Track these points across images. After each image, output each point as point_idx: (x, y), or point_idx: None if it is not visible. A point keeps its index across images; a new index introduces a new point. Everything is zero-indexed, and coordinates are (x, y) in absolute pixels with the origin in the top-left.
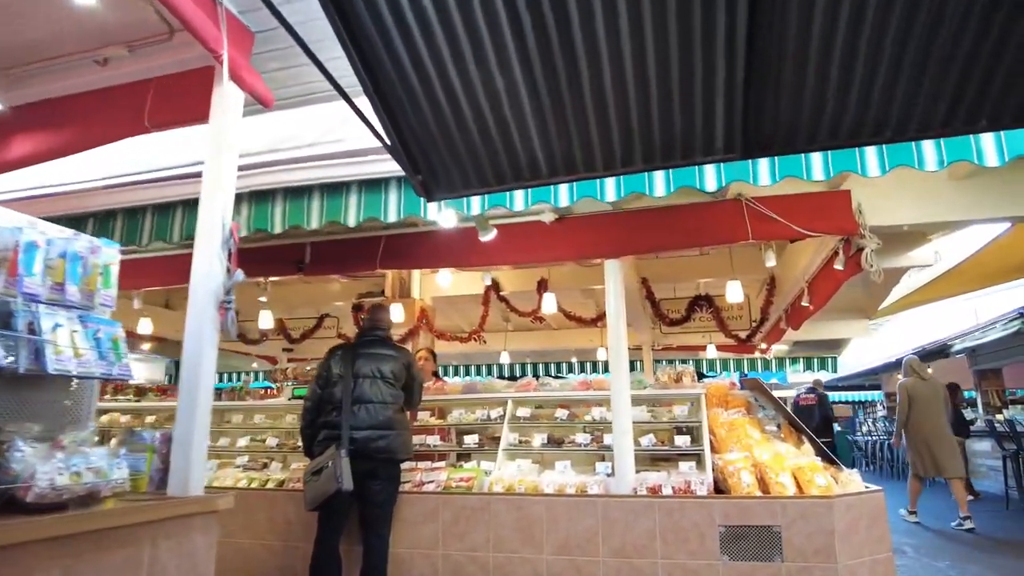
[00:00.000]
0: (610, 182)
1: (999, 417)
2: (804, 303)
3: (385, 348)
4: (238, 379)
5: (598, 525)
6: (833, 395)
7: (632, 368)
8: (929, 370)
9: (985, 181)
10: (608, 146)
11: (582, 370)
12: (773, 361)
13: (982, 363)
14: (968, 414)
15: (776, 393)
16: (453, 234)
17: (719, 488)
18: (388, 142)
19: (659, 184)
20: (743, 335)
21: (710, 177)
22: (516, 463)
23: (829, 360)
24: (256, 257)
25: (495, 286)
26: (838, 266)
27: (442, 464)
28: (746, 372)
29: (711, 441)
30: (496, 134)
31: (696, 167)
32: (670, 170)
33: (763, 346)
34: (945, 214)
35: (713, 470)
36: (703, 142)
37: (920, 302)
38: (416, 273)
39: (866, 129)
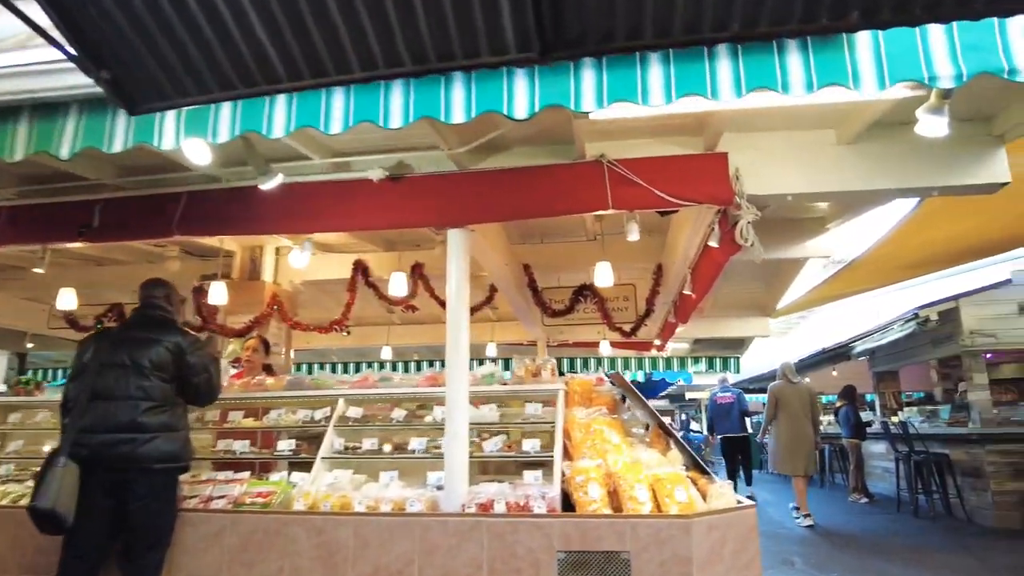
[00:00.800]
0: (396, 103)
1: (894, 419)
2: (687, 291)
3: (154, 331)
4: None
5: (415, 552)
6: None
7: (508, 366)
8: (805, 378)
9: (881, 148)
10: (362, 42)
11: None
12: (675, 360)
13: (880, 365)
14: (868, 416)
15: (690, 395)
16: (269, 194)
17: (569, 504)
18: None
19: (457, 106)
20: (629, 328)
21: (520, 97)
22: (333, 474)
23: (732, 360)
24: (30, 218)
25: (361, 269)
26: (712, 243)
27: (244, 475)
28: (649, 373)
29: (565, 446)
30: (204, 19)
31: (503, 83)
32: (471, 89)
33: (657, 342)
34: (836, 183)
35: (562, 481)
36: (488, 38)
37: (820, 301)
38: (270, 251)
39: (705, 21)
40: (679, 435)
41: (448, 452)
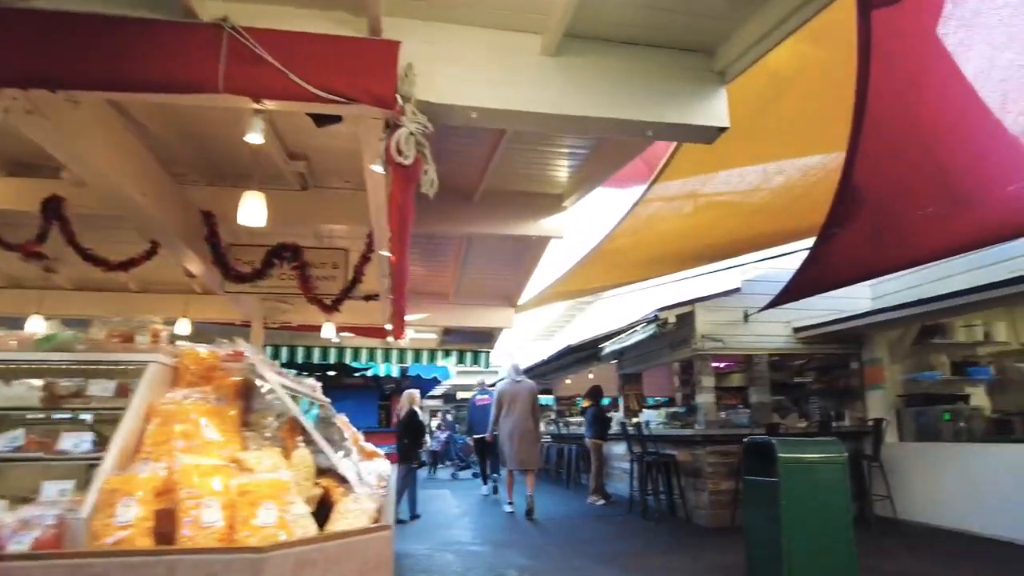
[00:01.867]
0: None
1: (634, 421)
2: (384, 251)
3: None
4: None
5: None
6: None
7: None
8: (523, 377)
9: (590, 66)
10: None
11: None
12: (424, 353)
13: (627, 367)
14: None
15: (461, 395)
16: None
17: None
18: None
19: None
20: (331, 301)
21: None
22: None
23: (483, 355)
24: None
25: None
26: (375, 167)
27: None
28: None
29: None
30: None
31: None
32: None
33: (388, 326)
34: (534, 102)
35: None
36: None
37: (563, 295)
38: None
39: None
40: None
41: None
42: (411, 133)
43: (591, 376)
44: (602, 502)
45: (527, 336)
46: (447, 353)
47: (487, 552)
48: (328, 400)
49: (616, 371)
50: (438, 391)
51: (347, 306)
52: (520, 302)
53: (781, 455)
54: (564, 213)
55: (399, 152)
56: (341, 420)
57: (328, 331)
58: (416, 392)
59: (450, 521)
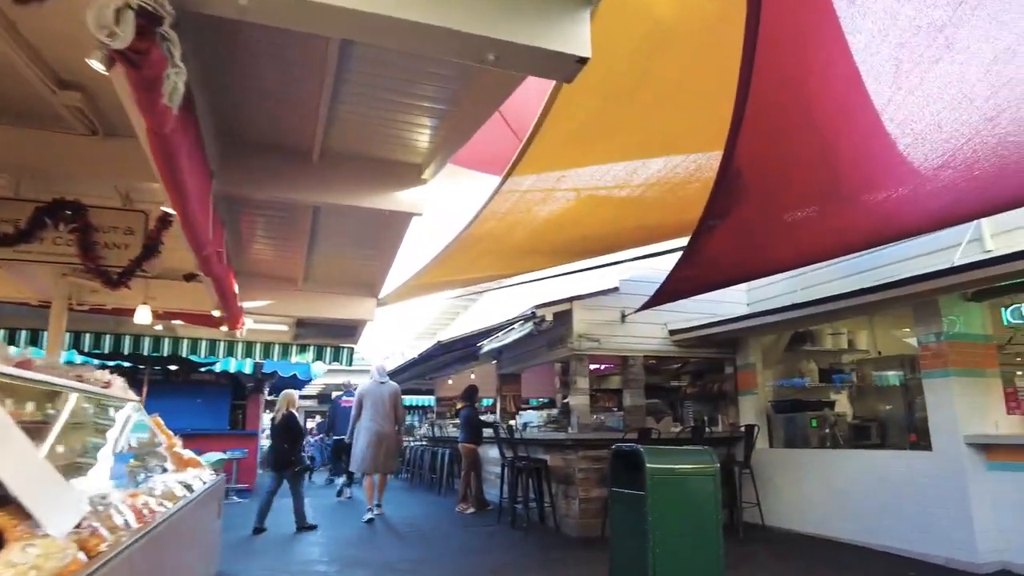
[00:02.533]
0: None
1: (511, 423)
2: (166, 207)
3: None
4: None
5: None
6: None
7: None
8: (387, 379)
9: None
10: None
11: None
12: (276, 347)
13: (505, 367)
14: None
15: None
16: None
17: None
18: None
19: None
20: (117, 273)
21: None
22: None
23: (344, 352)
24: None
25: None
26: (93, 60)
27: None
28: (260, 362)
29: None
30: None
31: None
32: None
33: (216, 313)
34: None
35: None
36: None
37: (431, 287)
38: None
39: None
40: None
41: None
42: (128, 5)
43: (473, 376)
44: (471, 510)
45: (410, 333)
46: (303, 348)
47: (332, 573)
48: (138, 398)
49: (496, 371)
50: (310, 390)
51: (166, 287)
52: (383, 293)
53: (649, 466)
54: (424, 187)
55: (107, 32)
56: (155, 422)
57: (142, 316)
58: (294, 393)
59: (300, 534)
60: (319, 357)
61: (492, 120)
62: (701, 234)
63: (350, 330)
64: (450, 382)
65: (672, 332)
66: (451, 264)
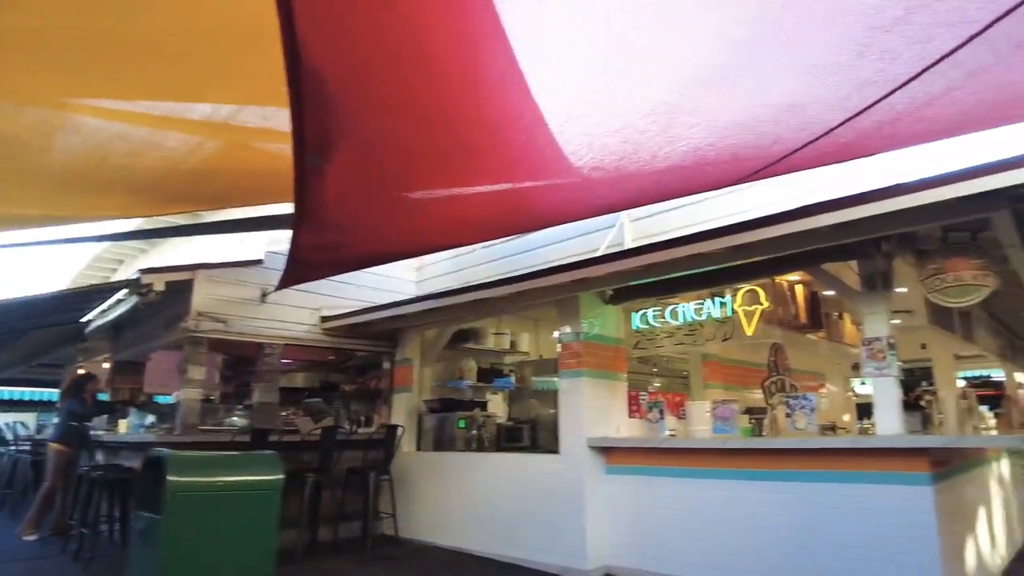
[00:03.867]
0: None
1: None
2: None
3: None
4: None
5: None
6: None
7: None
8: None
9: None
10: None
11: None
12: None
13: (121, 352)
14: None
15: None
16: None
17: None
18: None
19: None
20: None
21: None
22: None
23: None
24: None
25: None
26: None
27: None
28: None
29: None
30: None
31: None
32: None
33: None
34: None
35: None
36: None
37: None
38: None
39: None
40: None
41: None
42: None
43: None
44: (35, 536)
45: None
46: None
47: None
48: None
49: (112, 355)
50: None
51: None
52: None
53: (173, 479)
54: None
55: None
56: None
57: None
58: None
59: None
60: None
61: None
62: (306, 177)
63: None
64: (80, 371)
65: (324, 319)
66: None
